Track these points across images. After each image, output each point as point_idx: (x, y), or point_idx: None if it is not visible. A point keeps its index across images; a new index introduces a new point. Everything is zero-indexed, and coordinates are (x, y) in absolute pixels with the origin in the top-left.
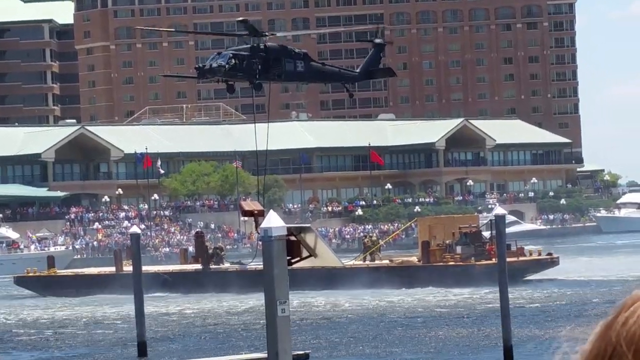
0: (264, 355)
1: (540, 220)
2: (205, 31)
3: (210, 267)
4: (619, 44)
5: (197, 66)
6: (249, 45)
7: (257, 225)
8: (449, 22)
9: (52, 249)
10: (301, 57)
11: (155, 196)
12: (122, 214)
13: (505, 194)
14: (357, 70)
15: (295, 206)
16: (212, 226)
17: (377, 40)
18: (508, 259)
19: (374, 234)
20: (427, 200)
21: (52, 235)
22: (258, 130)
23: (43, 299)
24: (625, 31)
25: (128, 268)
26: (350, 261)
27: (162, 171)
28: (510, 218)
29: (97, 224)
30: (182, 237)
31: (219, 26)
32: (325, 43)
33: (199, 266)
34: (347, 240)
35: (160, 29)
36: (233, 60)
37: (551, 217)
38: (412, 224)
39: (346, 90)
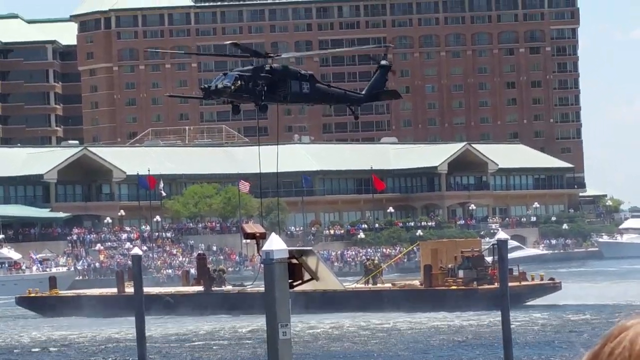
0: None
1: (542, 245)
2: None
3: (212, 289)
4: (621, 68)
5: (202, 86)
6: (253, 67)
7: (258, 247)
8: (451, 46)
9: (53, 269)
10: (307, 79)
11: (158, 218)
12: (124, 236)
13: (507, 219)
14: (363, 92)
15: (297, 229)
16: (214, 248)
17: (383, 62)
18: (510, 284)
19: (376, 258)
20: (430, 224)
21: (54, 256)
22: (261, 152)
23: (44, 320)
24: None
25: (130, 289)
26: (352, 284)
27: (164, 194)
28: (512, 243)
29: (99, 245)
30: (184, 259)
31: (221, 49)
32: (328, 66)
33: (201, 288)
34: (349, 263)
35: (168, 50)
36: (239, 82)
37: (553, 242)
38: (414, 248)
39: (352, 112)
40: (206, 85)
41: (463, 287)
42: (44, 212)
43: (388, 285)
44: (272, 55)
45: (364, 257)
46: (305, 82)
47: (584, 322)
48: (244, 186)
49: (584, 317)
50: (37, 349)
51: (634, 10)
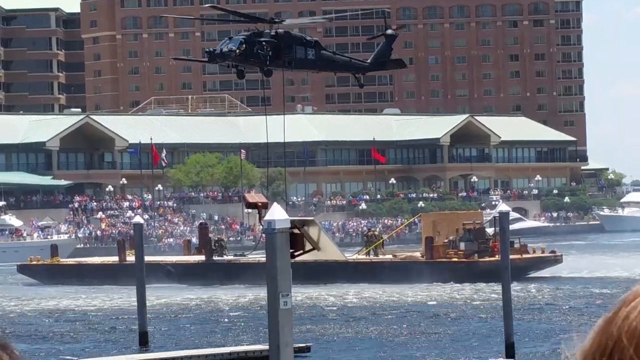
0: (265, 347)
1: (543, 218)
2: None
3: (214, 258)
4: (625, 43)
5: (207, 50)
6: (259, 31)
7: (260, 217)
8: (455, 18)
9: (55, 237)
10: (312, 45)
11: (159, 187)
12: (126, 204)
13: (509, 191)
14: (368, 61)
15: (299, 199)
16: (216, 218)
17: (389, 32)
18: (511, 256)
19: (377, 229)
20: (431, 195)
21: (56, 224)
22: (263, 122)
23: (45, 288)
24: (631, 31)
25: (131, 258)
26: (353, 255)
27: (165, 163)
28: (513, 215)
29: (100, 213)
30: (185, 228)
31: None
32: (332, 36)
33: (202, 257)
34: (351, 234)
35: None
36: (244, 45)
37: (555, 214)
38: (416, 220)
39: (356, 80)
40: (211, 49)
41: (464, 260)
42: (46, 180)
43: (389, 256)
44: (276, 20)
45: (365, 228)
46: (311, 48)
47: (585, 294)
48: (242, 154)
49: (585, 290)
50: (35, 317)
51: None
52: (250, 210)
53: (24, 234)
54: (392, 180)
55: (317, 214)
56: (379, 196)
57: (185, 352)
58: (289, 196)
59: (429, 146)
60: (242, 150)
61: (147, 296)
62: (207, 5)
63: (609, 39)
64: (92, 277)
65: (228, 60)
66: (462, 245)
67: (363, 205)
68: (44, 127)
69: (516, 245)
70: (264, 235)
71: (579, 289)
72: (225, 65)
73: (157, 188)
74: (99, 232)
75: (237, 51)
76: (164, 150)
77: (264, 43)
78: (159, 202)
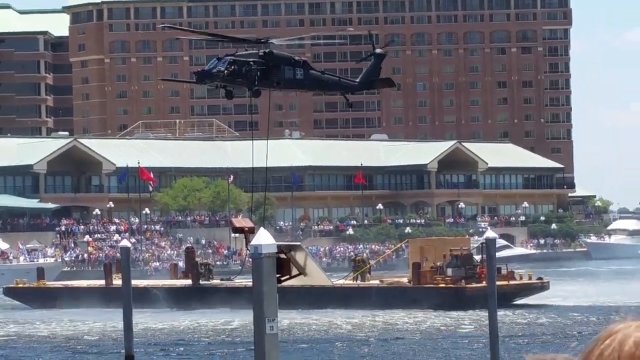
0: None
1: (530, 245)
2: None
3: (200, 282)
4: (613, 71)
5: (196, 71)
6: (247, 52)
7: (247, 242)
8: (443, 44)
9: (41, 260)
10: (300, 65)
11: (147, 210)
12: (113, 227)
13: (496, 217)
14: (357, 80)
15: (286, 224)
16: (203, 242)
17: (378, 51)
18: (498, 283)
19: (364, 254)
20: (418, 221)
21: (42, 247)
22: (250, 147)
23: (31, 311)
24: (619, 58)
25: (118, 282)
26: (340, 280)
27: (154, 182)
28: (501, 242)
29: (87, 236)
30: (172, 252)
31: (214, 43)
32: (320, 62)
33: (189, 281)
34: (338, 259)
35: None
36: (232, 66)
37: (542, 241)
38: (403, 245)
39: (345, 99)
40: (200, 70)
41: (451, 285)
42: (32, 203)
43: (376, 282)
44: (262, 40)
45: (352, 253)
46: (299, 68)
47: (571, 322)
48: (230, 179)
49: (571, 317)
50: (21, 341)
51: (627, 12)
52: (237, 234)
53: (10, 257)
54: (380, 206)
55: (304, 239)
56: (366, 221)
57: None
58: (276, 221)
59: (417, 172)
60: (230, 176)
61: (133, 320)
62: (163, 26)
63: (596, 66)
64: (79, 301)
65: (216, 80)
66: (449, 271)
67: (350, 231)
68: (32, 150)
69: (503, 272)
70: (250, 259)
71: (566, 315)
72: (214, 86)
73: (144, 212)
74: (85, 256)
75: (226, 72)
76: (151, 173)
77: (252, 63)
78: (146, 226)
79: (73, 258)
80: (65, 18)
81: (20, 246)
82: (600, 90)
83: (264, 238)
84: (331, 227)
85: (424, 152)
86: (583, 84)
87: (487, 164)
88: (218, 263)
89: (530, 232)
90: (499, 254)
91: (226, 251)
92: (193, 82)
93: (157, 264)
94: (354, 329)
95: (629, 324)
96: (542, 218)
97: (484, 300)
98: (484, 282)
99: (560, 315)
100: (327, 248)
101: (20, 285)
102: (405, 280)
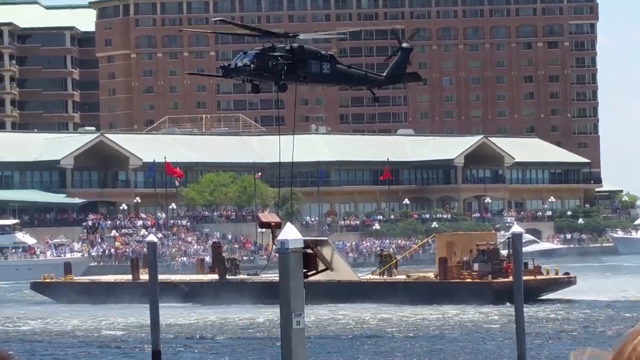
0: None
1: (557, 240)
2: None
3: (227, 277)
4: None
5: (222, 65)
6: (273, 46)
7: (274, 237)
8: (470, 39)
9: (68, 255)
10: (327, 59)
11: (173, 205)
12: (140, 223)
13: (522, 212)
14: (384, 74)
15: (312, 219)
16: (229, 237)
17: (405, 45)
18: (525, 278)
19: (391, 249)
20: (445, 216)
21: (69, 242)
22: (277, 142)
23: (58, 306)
24: None
25: (144, 276)
26: (366, 275)
27: (178, 181)
28: (527, 237)
29: (114, 231)
30: (199, 247)
31: (240, 37)
32: (346, 57)
33: (215, 276)
34: (364, 254)
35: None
36: (258, 60)
37: (568, 236)
38: (430, 240)
39: (371, 93)
40: (226, 64)
41: (478, 280)
42: (60, 198)
43: (403, 277)
44: (290, 34)
45: (378, 248)
46: (325, 63)
47: (598, 317)
48: (258, 176)
49: (598, 312)
50: (48, 336)
51: None
52: (263, 229)
53: (37, 252)
54: (406, 201)
55: (331, 234)
56: (392, 216)
57: None
58: (302, 216)
59: (443, 167)
60: (258, 173)
61: (160, 315)
62: (218, 19)
63: (623, 60)
64: (106, 296)
65: (243, 75)
66: (475, 266)
67: (376, 226)
68: (58, 146)
69: (530, 267)
70: (276, 254)
71: (593, 311)
72: (240, 80)
73: (170, 207)
74: (112, 251)
75: (252, 66)
76: (177, 168)
77: (278, 57)
78: (172, 221)
79: (100, 253)
80: (92, 13)
81: (48, 241)
82: (627, 84)
83: (290, 233)
84: (357, 222)
85: (451, 147)
86: (610, 79)
87: (513, 158)
88: (244, 258)
89: (557, 227)
90: (525, 249)
91: (253, 246)
92: (219, 76)
93: (184, 259)
94: (380, 324)
95: None
96: (569, 213)
97: (510, 295)
98: (511, 277)
99: (588, 310)
100: (353, 243)
101: (48, 280)
102: (431, 275)
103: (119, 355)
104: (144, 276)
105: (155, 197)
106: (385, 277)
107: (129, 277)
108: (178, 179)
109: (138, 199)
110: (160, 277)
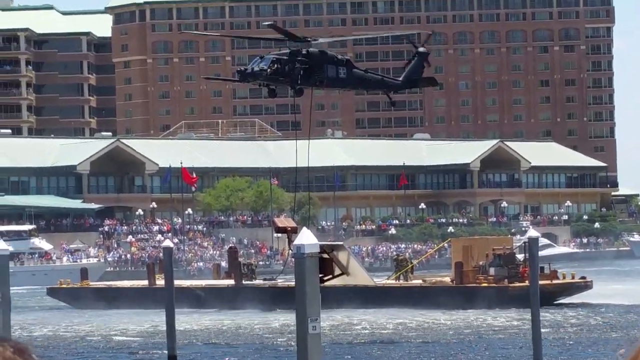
0: None
1: (573, 244)
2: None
3: (243, 282)
4: None
5: (239, 69)
6: (290, 50)
7: (290, 242)
8: (486, 43)
9: (84, 260)
10: (344, 63)
11: (189, 211)
12: (156, 228)
13: (539, 217)
14: (400, 79)
15: (328, 224)
16: (245, 242)
17: (421, 49)
18: (541, 282)
19: (407, 254)
20: (461, 221)
21: (85, 247)
22: (293, 147)
23: (74, 311)
24: None
25: (161, 282)
26: (382, 280)
27: (195, 187)
28: (543, 241)
29: (130, 237)
30: (215, 252)
31: (255, 42)
32: (362, 61)
33: (232, 281)
34: (380, 259)
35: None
36: (275, 65)
37: (585, 240)
38: (446, 245)
39: (388, 98)
40: (243, 68)
41: (494, 285)
42: (76, 203)
43: (419, 281)
44: (309, 39)
45: (394, 253)
46: (342, 67)
47: (615, 321)
48: (274, 182)
49: (615, 317)
50: (64, 341)
51: None
52: (279, 234)
53: (54, 257)
54: (422, 205)
55: (347, 238)
56: (408, 221)
57: None
58: (318, 221)
59: (459, 171)
60: (274, 179)
61: (176, 320)
62: (266, 24)
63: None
64: (122, 301)
65: (259, 79)
66: (492, 271)
67: (393, 230)
68: (75, 151)
69: (546, 271)
70: (292, 259)
71: (610, 315)
72: (257, 85)
73: (186, 212)
74: (128, 256)
75: (269, 70)
76: (194, 173)
77: (295, 62)
78: (188, 226)
79: (116, 258)
80: (108, 19)
81: (64, 246)
82: None
83: (306, 238)
84: (373, 227)
85: (467, 152)
86: (626, 82)
87: (529, 162)
88: (261, 263)
89: (573, 231)
90: (541, 253)
91: (269, 251)
92: (236, 81)
93: (200, 264)
94: (397, 329)
95: None
96: (585, 217)
97: (526, 299)
98: (527, 282)
99: (605, 315)
100: (369, 248)
101: (64, 286)
102: (447, 279)
103: None
104: (160, 281)
105: (171, 203)
106: (401, 281)
107: (145, 282)
108: (195, 184)
109: (154, 204)
110: (176, 282)
